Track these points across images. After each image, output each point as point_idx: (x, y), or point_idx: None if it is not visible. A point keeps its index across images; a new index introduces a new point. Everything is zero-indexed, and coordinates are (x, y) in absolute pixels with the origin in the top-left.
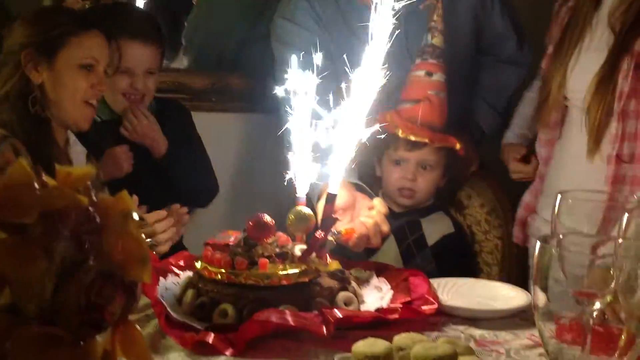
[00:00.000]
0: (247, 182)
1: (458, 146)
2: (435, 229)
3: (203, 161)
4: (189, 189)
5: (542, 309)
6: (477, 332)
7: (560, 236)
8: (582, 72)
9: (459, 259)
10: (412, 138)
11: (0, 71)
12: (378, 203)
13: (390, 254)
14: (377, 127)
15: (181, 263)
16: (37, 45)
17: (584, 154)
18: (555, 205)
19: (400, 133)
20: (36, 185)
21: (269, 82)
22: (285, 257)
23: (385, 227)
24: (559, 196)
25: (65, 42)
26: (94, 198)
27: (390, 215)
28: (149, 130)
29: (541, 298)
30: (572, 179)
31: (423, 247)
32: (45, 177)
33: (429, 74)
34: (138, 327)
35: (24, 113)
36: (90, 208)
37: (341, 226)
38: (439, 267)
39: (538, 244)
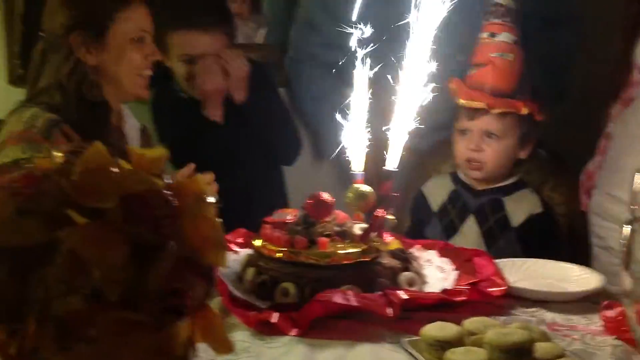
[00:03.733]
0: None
1: (524, 111)
2: (520, 208)
3: (284, 113)
4: (274, 139)
5: (632, 294)
6: (548, 316)
7: None
8: None
9: (548, 241)
10: (470, 105)
11: (48, 58)
12: None
13: (471, 235)
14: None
15: (239, 240)
16: (83, 26)
17: None
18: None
19: (460, 101)
20: (114, 169)
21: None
22: (344, 235)
23: None
24: (637, 175)
25: (112, 18)
26: (170, 180)
27: (471, 194)
28: (242, 69)
29: (630, 283)
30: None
31: (507, 228)
32: (121, 161)
33: (492, 35)
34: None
35: (79, 98)
36: (166, 191)
37: None
38: (525, 250)
39: (625, 228)
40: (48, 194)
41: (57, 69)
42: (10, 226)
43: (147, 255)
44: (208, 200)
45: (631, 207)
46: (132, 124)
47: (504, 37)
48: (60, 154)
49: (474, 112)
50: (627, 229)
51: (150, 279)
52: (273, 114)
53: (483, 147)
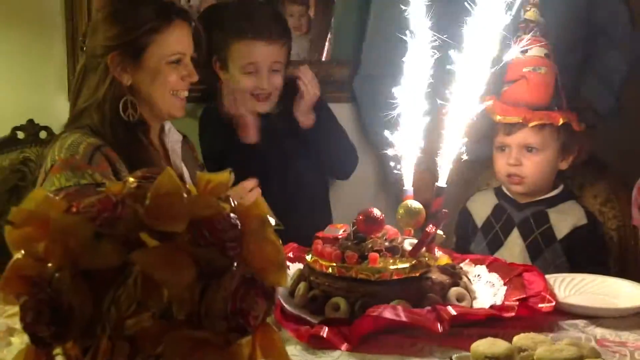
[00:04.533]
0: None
1: (561, 121)
2: (564, 220)
3: (341, 131)
4: (334, 159)
5: None
6: (598, 332)
7: None
8: None
9: (593, 253)
10: (507, 120)
11: (88, 77)
12: None
13: (515, 248)
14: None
15: (290, 255)
16: (122, 47)
17: None
18: None
19: (496, 117)
20: (184, 194)
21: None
22: (395, 251)
23: None
24: None
25: (151, 40)
26: (233, 204)
27: (514, 207)
28: (316, 93)
29: None
30: None
31: (552, 240)
32: (188, 186)
33: (523, 51)
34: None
35: (116, 118)
36: (232, 215)
37: None
38: (571, 262)
39: None
40: (123, 218)
41: (95, 88)
42: (89, 250)
43: (213, 275)
44: (270, 223)
45: None
46: (175, 138)
47: (535, 51)
48: (133, 180)
49: (511, 127)
50: None
51: (217, 298)
52: (330, 131)
53: (523, 161)
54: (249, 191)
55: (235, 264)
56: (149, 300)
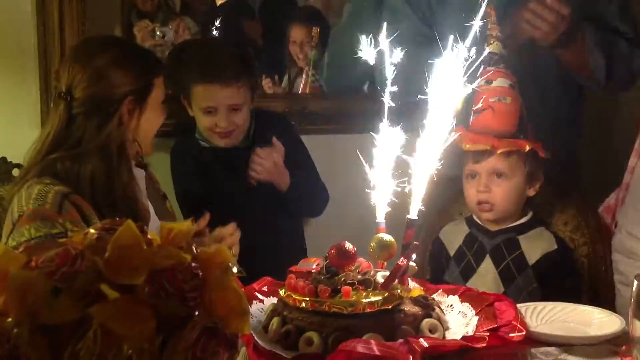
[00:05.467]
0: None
1: (528, 148)
2: (535, 246)
3: (314, 173)
4: (303, 195)
5: None
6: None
7: None
8: None
9: (564, 278)
10: (475, 147)
11: (83, 120)
12: None
13: (488, 275)
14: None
15: (265, 289)
16: (136, 92)
17: None
18: None
19: (465, 146)
20: (144, 246)
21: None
22: (367, 284)
23: None
24: None
25: (153, 85)
26: (195, 252)
27: (486, 235)
28: (274, 170)
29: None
30: None
31: (523, 266)
32: (150, 235)
33: (489, 82)
34: None
35: (120, 162)
36: (193, 264)
37: None
38: (543, 288)
39: (635, 283)
40: (82, 272)
41: (96, 132)
42: (47, 305)
43: (174, 326)
44: (233, 271)
45: None
46: (139, 174)
47: (500, 82)
48: (94, 231)
49: (480, 155)
50: (635, 283)
51: (177, 350)
52: (302, 168)
53: (492, 187)
54: (230, 235)
55: (196, 314)
56: (109, 354)
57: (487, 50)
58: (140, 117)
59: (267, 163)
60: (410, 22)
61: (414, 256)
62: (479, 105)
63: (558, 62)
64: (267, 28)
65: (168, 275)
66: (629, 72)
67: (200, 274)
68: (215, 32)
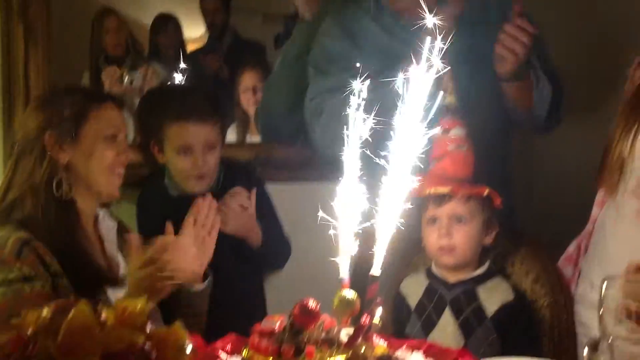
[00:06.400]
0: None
1: (486, 192)
2: (493, 297)
3: (278, 227)
4: (271, 258)
5: None
6: None
7: (609, 340)
8: None
9: (523, 329)
10: (436, 191)
11: (21, 164)
12: None
13: (448, 328)
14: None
15: (228, 348)
16: (57, 126)
17: (633, 222)
18: (601, 293)
19: (426, 191)
20: (97, 329)
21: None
22: (331, 342)
23: None
24: (605, 283)
25: (86, 117)
26: (149, 331)
27: (445, 287)
28: (243, 222)
29: None
30: (622, 243)
31: (482, 318)
32: (104, 313)
33: (446, 131)
34: None
35: (49, 200)
36: (147, 345)
37: None
38: (503, 339)
39: (586, 350)
40: (34, 357)
41: (30, 172)
42: None
43: None
44: (186, 349)
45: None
46: (109, 225)
47: (456, 131)
48: (47, 311)
49: (441, 200)
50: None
51: None
52: (269, 222)
53: (453, 232)
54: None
55: None
56: None
57: (444, 102)
58: (74, 151)
59: (237, 210)
60: (336, 77)
61: (378, 311)
62: (438, 153)
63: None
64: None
65: (120, 357)
66: (559, 112)
67: (154, 355)
68: (183, 78)
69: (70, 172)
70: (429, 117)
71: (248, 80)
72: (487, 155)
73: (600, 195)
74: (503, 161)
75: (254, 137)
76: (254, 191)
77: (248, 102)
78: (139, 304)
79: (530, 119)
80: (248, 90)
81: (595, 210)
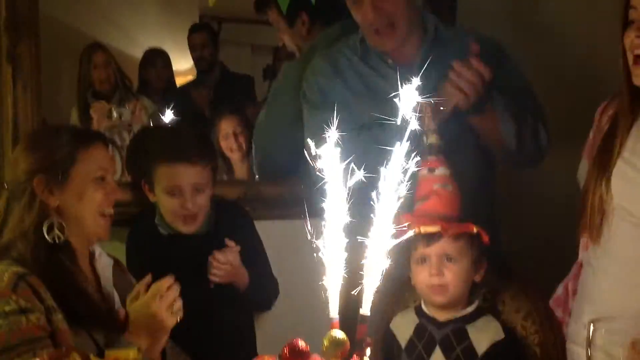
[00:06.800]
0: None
1: (475, 230)
2: (483, 335)
3: (266, 267)
4: (258, 299)
5: None
6: None
7: None
8: (624, 182)
9: None
10: (425, 230)
11: (13, 208)
12: None
13: None
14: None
15: None
16: (46, 169)
17: (623, 261)
18: (589, 335)
19: (415, 231)
20: None
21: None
22: None
23: None
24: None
25: (75, 159)
26: None
27: (435, 325)
28: (233, 272)
29: None
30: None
31: (473, 357)
32: None
33: (431, 169)
34: None
35: (40, 243)
36: None
37: None
38: None
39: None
40: None
41: (20, 217)
42: None
43: None
44: None
45: None
46: (105, 262)
47: (441, 170)
48: None
49: (430, 238)
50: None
51: None
52: (257, 263)
53: (444, 271)
54: (167, 289)
55: None
56: None
57: (427, 142)
58: (63, 194)
59: (226, 267)
60: (330, 112)
61: (368, 351)
62: (424, 192)
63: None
64: None
65: None
66: (537, 145)
67: None
68: (172, 113)
69: (62, 214)
70: (412, 157)
71: (227, 126)
72: (472, 193)
73: (584, 240)
74: (489, 197)
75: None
76: (234, 245)
77: (230, 148)
78: (131, 355)
79: (507, 154)
80: (229, 136)
81: (580, 253)
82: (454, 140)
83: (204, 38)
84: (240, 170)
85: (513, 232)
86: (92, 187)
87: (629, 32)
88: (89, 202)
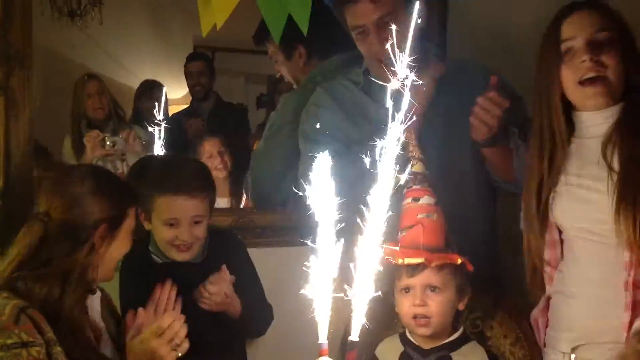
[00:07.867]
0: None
1: (459, 261)
2: None
3: (260, 294)
4: (251, 326)
5: None
6: None
7: None
8: (575, 203)
9: None
10: (409, 262)
11: (51, 245)
12: None
13: None
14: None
15: None
16: (110, 220)
17: (593, 282)
18: None
19: (398, 261)
20: None
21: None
22: None
23: None
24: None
25: (127, 214)
26: None
27: (419, 353)
28: (226, 302)
29: None
30: (582, 310)
31: None
32: None
33: (416, 199)
34: None
35: (63, 285)
36: None
37: None
38: None
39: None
40: None
41: (66, 255)
42: None
43: None
44: None
45: None
46: (95, 295)
47: (426, 200)
48: None
49: (414, 269)
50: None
51: None
52: (251, 291)
53: (427, 301)
54: (170, 326)
55: None
56: None
57: (411, 170)
58: (110, 244)
59: (218, 297)
60: (328, 145)
61: None
62: (408, 222)
63: (481, 163)
64: None
65: None
66: None
67: None
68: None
69: (93, 262)
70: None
71: (210, 147)
72: (473, 209)
73: (547, 275)
74: (489, 214)
75: (221, 203)
76: (227, 275)
77: (215, 167)
78: None
79: (515, 186)
80: (213, 156)
81: (547, 287)
82: (448, 166)
83: (202, 66)
84: (222, 189)
85: (513, 250)
86: (127, 240)
87: (567, 63)
88: (119, 253)
